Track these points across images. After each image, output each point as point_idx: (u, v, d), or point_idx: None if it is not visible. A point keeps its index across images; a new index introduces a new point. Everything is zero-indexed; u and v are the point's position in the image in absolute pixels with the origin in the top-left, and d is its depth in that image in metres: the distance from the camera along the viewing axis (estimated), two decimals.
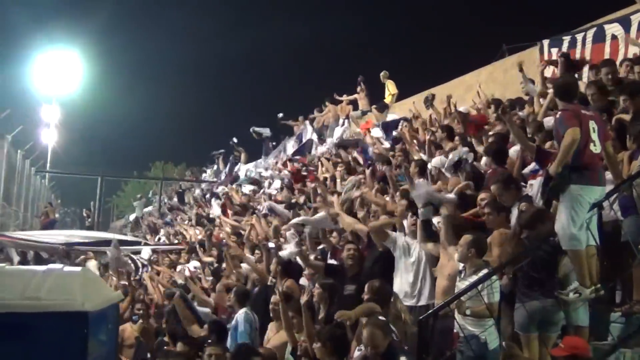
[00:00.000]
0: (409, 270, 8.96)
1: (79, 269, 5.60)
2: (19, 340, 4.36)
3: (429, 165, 11.49)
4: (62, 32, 65.29)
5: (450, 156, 10.81)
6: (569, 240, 6.77)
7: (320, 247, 11.60)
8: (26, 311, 4.38)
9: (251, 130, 30.94)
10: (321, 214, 11.38)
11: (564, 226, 6.78)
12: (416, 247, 9.01)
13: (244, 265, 12.46)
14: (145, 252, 18.63)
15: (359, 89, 24.46)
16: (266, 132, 30.77)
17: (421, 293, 8.79)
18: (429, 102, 16.88)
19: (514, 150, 10.09)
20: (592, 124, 7.01)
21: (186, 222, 27.08)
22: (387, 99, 23.12)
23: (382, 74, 23.50)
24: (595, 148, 6.96)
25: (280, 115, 29.94)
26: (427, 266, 8.84)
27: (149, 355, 10.88)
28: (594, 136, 6.98)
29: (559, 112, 7.15)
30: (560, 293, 6.82)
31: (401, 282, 8.99)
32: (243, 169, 31.56)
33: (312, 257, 10.89)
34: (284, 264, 10.47)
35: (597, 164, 7.07)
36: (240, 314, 9.95)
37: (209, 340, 8.95)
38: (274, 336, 9.19)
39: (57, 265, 5.25)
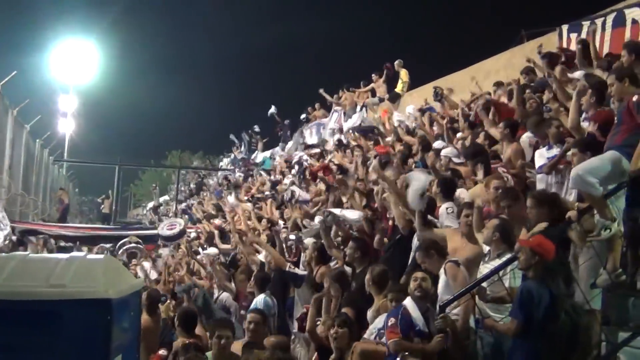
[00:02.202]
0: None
1: (101, 256, 5.63)
2: (44, 327, 4.37)
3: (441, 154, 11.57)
4: (78, 22, 65.74)
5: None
6: (583, 183, 6.92)
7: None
8: (51, 299, 4.40)
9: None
10: (358, 214, 11.08)
11: (584, 169, 6.96)
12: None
13: (260, 254, 12.51)
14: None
15: (374, 77, 24.34)
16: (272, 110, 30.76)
17: None
18: (439, 95, 16.76)
19: (526, 137, 10.08)
20: None
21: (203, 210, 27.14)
22: (399, 88, 23.13)
23: (396, 62, 23.48)
24: None
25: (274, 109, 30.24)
26: None
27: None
28: None
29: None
30: (592, 237, 6.86)
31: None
32: (260, 157, 31.65)
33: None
34: (320, 250, 10.28)
35: None
36: (260, 299, 10.02)
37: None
38: None
39: (79, 253, 5.27)
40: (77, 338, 4.41)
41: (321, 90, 27.12)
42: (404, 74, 23.23)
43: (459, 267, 7.65)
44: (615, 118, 7.61)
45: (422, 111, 17.10)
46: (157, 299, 10.34)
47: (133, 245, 19.72)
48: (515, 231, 7.55)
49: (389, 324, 6.78)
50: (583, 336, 6.40)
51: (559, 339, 6.20)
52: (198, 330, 9.37)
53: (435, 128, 14.81)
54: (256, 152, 33.12)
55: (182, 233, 19.14)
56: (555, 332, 6.20)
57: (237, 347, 7.82)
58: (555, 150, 8.95)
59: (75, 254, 5.19)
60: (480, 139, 11.39)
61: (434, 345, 6.63)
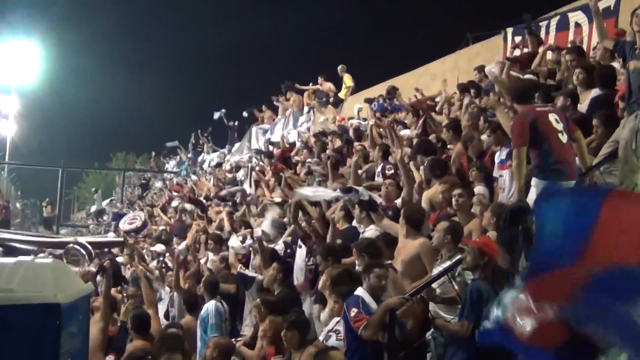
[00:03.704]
0: None
1: (50, 259, 5.51)
2: None
3: None
4: (19, 22, 64.37)
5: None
6: None
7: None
8: None
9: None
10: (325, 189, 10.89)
11: None
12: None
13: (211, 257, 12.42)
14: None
15: (320, 80, 24.39)
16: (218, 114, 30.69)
17: None
18: (392, 95, 16.67)
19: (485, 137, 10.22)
20: (553, 116, 7.17)
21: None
22: (342, 93, 23.19)
23: (339, 67, 23.54)
24: (563, 137, 7.10)
25: (223, 112, 30.21)
26: None
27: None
28: (559, 126, 7.13)
29: (513, 122, 7.35)
30: None
31: None
32: (207, 159, 31.49)
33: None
34: (284, 270, 9.86)
35: (570, 154, 7.22)
36: (211, 305, 9.92)
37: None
38: None
39: (27, 257, 5.15)
40: (25, 344, 4.31)
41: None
42: (347, 79, 23.31)
43: (397, 273, 7.86)
44: None
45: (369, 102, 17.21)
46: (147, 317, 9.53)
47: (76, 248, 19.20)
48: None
49: (352, 314, 6.77)
50: None
51: None
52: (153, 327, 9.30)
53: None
54: (202, 154, 32.97)
55: (144, 226, 19.03)
56: None
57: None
58: (504, 153, 9.04)
59: (22, 257, 5.04)
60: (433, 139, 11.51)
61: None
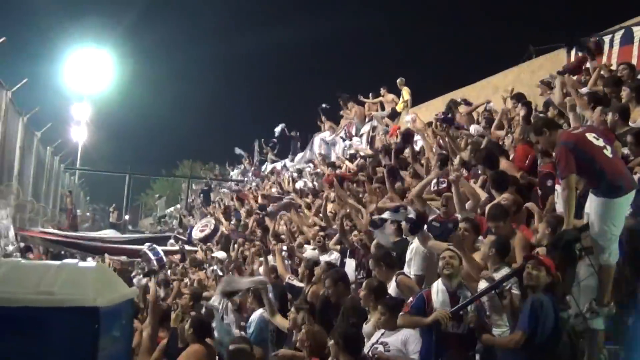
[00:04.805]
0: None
1: (94, 264, 5.62)
2: (31, 334, 4.35)
3: None
4: (93, 31, 66.11)
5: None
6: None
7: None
8: (39, 305, 4.38)
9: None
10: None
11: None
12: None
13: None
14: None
15: (383, 91, 24.30)
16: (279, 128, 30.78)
17: None
18: (451, 109, 16.12)
19: None
20: (591, 135, 6.97)
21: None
22: (399, 106, 23.09)
23: (398, 80, 23.43)
24: (608, 151, 6.91)
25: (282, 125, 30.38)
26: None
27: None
28: (600, 142, 6.93)
29: (555, 153, 7.24)
30: (577, 315, 6.79)
31: None
32: (269, 168, 31.71)
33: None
34: (312, 268, 10.25)
35: (620, 166, 7.04)
36: (256, 314, 9.97)
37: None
38: None
39: (72, 260, 5.27)
40: (63, 345, 4.39)
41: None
42: (405, 92, 23.19)
43: (411, 279, 8.27)
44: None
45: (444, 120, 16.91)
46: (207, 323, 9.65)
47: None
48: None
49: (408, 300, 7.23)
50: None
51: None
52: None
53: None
54: (266, 163, 33.19)
55: (215, 231, 19.33)
56: (555, 353, 6.17)
57: None
58: None
59: (67, 261, 5.17)
60: None
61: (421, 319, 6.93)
